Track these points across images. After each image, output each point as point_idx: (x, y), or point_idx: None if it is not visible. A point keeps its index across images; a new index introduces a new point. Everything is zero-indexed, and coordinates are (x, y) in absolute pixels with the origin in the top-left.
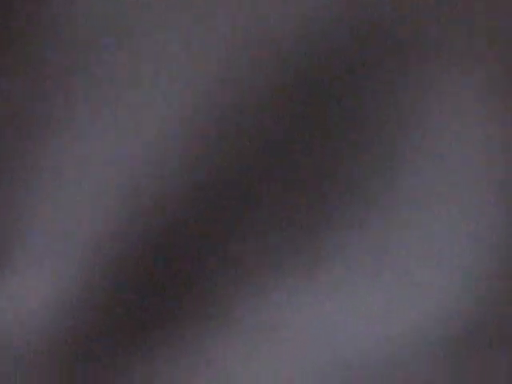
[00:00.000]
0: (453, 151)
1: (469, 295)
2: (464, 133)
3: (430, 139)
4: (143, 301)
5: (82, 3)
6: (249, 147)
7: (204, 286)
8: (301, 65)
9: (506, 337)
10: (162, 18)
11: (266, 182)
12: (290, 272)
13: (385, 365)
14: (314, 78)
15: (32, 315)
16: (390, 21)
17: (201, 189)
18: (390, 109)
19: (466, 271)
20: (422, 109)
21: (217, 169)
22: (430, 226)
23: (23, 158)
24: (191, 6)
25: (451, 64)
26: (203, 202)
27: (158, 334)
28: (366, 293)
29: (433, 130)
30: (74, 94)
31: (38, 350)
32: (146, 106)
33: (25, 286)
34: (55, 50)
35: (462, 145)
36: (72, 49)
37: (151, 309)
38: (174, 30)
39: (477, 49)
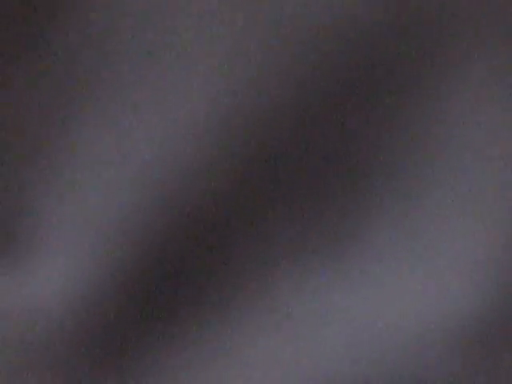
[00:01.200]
0: (478, 167)
1: (487, 299)
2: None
3: (454, 154)
4: (155, 298)
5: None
6: (262, 152)
7: (217, 282)
8: (315, 71)
9: None
10: (173, 18)
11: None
12: (317, 268)
13: (402, 361)
14: (331, 83)
15: (46, 311)
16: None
17: (213, 191)
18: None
19: (486, 278)
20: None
21: (229, 172)
22: (453, 235)
23: (38, 159)
24: (203, 9)
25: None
26: (216, 203)
27: (172, 330)
28: (390, 289)
29: (456, 144)
30: (85, 97)
31: (51, 346)
32: (158, 108)
33: (40, 283)
34: (64, 51)
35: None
36: (80, 51)
37: (164, 305)
38: (186, 32)
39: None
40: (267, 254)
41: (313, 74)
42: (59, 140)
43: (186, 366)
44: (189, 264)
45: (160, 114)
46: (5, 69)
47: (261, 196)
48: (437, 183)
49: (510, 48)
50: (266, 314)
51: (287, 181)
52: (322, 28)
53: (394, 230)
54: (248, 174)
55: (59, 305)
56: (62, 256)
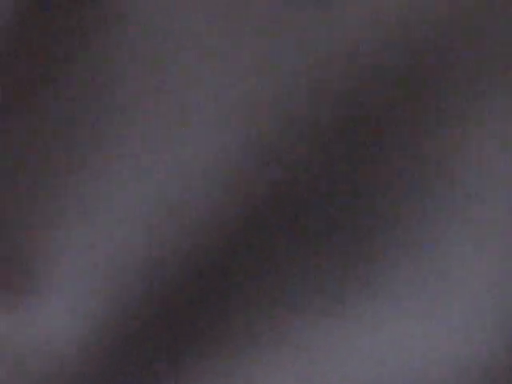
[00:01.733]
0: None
1: (500, 339)
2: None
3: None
4: (160, 338)
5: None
6: (285, 182)
7: (224, 329)
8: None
9: None
10: (197, 45)
11: (302, 214)
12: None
13: None
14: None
15: (52, 349)
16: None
17: (221, 236)
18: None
19: (500, 316)
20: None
21: (255, 199)
22: (466, 270)
23: (48, 201)
24: (228, 33)
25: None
26: (225, 248)
27: (176, 372)
28: (397, 323)
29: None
30: (102, 130)
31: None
32: (165, 153)
33: (50, 318)
34: (84, 77)
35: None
36: (85, 99)
37: (169, 346)
38: (211, 62)
39: None
40: (276, 297)
41: (319, 125)
42: (68, 184)
43: None
44: (195, 307)
45: (167, 158)
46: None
47: (269, 239)
48: (442, 229)
49: None
50: (273, 353)
51: (296, 226)
52: (328, 71)
53: (401, 271)
54: (254, 220)
55: (65, 343)
56: (68, 295)
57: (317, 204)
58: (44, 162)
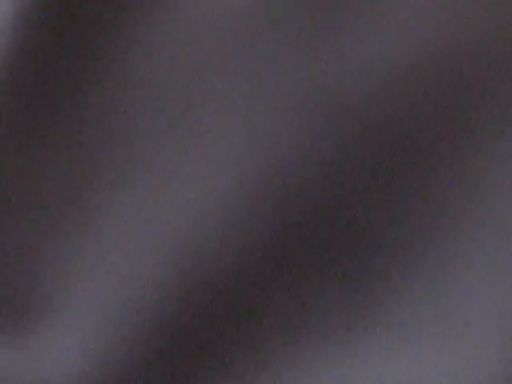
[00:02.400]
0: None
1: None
2: None
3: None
4: (176, 369)
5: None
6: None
7: (235, 355)
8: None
9: None
10: (204, 90)
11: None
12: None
13: None
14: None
15: None
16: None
17: (225, 281)
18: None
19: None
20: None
21: (263, 236)
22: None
23: (49, 237)
24: (235, 81)
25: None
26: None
27: None
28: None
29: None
30: (117, 158)
31: None
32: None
33: (45, 359)
34: (96, 117)
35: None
36: (86, 146)
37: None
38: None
39: None
40: (274, 340)
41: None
42: (85, 199)
43: None
44: (197, 350)
45: (170, 204)
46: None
47: (267, 277)
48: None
49: None
50: None
51: (295, 264)
52: (332, 117)
53: (405, 310)
54: (253, 260)
55: (68, 381)
56: (68, 333)
57: (322, 247)
58: (43, 204)
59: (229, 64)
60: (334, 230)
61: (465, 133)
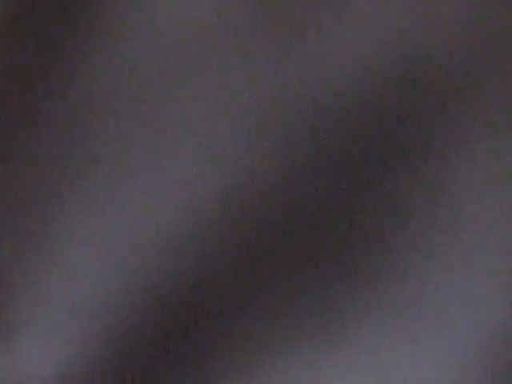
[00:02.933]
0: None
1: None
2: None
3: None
4: (146, 378)
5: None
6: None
7: (208, 366)
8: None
9: None
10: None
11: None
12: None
13: None
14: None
15: None
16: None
17: (207, 280)
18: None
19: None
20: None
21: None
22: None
23: (29, 243)
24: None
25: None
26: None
27: None
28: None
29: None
30: (86, 167)
31: None
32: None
33: (20, 364)
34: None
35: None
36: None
37: None
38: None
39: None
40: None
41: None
42: (52, 215)
43: None
44: (166, 360)
45: (155, 199)
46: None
47: (259, 279)
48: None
49: None
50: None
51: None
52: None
53: (390, 320)
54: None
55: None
56: (42, 339)
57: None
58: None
59: (196, 69)
60: (302, 237)
61: (439, 131)
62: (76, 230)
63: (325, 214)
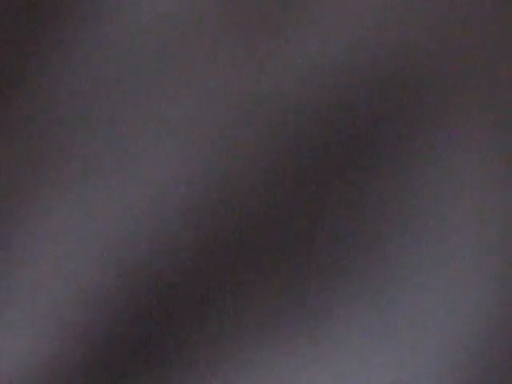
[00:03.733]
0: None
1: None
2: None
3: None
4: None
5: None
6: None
7: (191, 358)
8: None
9: None
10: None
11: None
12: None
13: None
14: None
15: None
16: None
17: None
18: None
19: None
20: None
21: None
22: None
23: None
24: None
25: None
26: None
27: None
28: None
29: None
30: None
31: None
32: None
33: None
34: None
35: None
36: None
37: None
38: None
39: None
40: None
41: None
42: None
43: None
44: (156, 343)
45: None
46: None
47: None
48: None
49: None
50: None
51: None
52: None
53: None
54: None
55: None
56: (13, 335)
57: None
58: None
59: (161, 69)
60: (269, 239)
61: (405, 135)
62: (52, 227)
63: (303, 215)
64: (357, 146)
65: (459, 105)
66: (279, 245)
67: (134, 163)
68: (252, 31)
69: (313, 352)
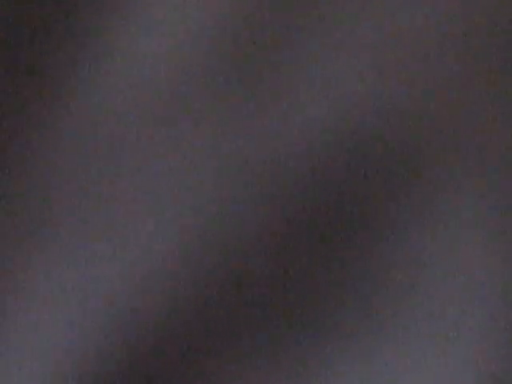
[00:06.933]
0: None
1: None
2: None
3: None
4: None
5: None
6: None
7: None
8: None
9: None
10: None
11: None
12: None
13: None
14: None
15: None
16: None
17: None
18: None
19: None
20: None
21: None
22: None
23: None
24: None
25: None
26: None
27: None
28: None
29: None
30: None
31: None
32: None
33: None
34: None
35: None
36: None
37: None
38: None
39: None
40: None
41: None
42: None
43: None
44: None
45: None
46: None
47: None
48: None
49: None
50: None
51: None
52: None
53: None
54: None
55: None
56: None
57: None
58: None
59: (148, 134)
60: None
61: (405, 188)
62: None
63: (297, 280)
64: (346, 208)
65: (445, 167)
66: (276, 302)
67: (126, 226)
68: (240, 93)
69: None
